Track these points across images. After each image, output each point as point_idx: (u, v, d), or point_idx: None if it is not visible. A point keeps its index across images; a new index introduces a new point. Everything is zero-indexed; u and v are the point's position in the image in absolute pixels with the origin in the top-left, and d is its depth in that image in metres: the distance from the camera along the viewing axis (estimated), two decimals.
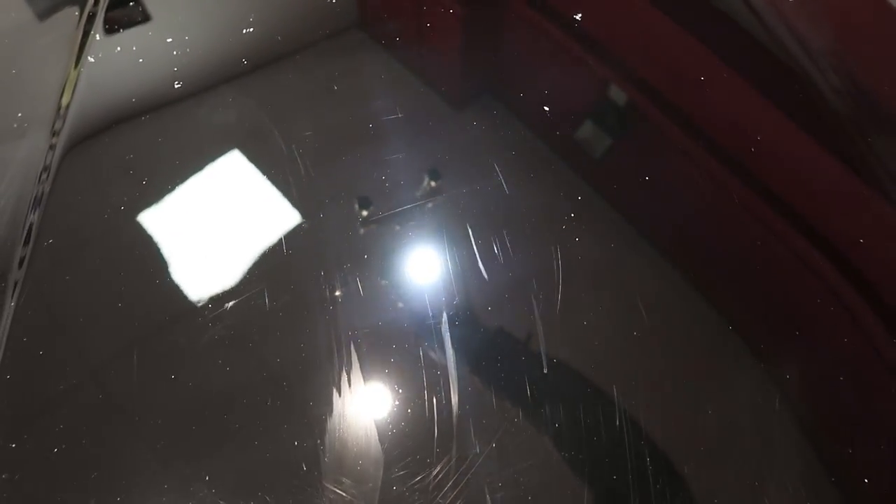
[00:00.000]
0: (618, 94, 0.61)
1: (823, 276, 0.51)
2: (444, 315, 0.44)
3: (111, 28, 0.57)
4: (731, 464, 0.41)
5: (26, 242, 0.47)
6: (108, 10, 0.58)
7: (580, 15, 0.62)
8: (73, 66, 0.54)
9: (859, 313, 0.49)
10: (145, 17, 0.57)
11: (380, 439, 0.40)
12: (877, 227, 0.54)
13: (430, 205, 0.49)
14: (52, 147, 0.51)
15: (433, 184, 0.50)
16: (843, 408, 0.45)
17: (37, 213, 0.48)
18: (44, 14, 0.59)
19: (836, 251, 0.52)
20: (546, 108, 0.56)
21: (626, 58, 0.62)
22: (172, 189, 0.49)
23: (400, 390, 0.42)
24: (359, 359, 0.43)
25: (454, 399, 0.42)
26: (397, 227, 0.48)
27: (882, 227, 0.55)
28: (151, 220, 0.48)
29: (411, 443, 0.40)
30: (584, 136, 0.57)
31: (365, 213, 0.49)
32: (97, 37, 0.56)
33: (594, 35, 0.62)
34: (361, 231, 0.48)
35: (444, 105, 0.57)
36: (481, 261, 0.47)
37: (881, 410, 0.46)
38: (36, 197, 0.49)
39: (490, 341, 0.44)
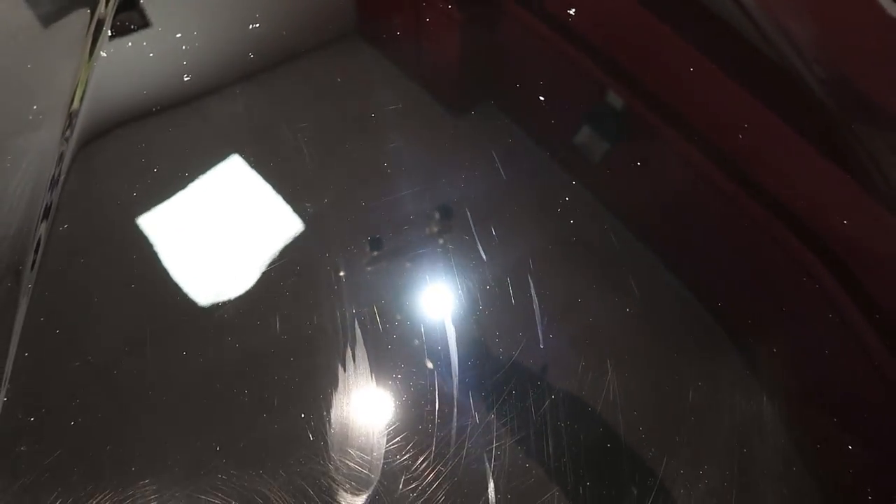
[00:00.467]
0: (610, 93, 0.63)
1: (809, 264, 0.52)
2: (445, 293, 0.46)
3: (119, 32, 0.59)
4: (721, 433, 0.43)
5: (42, 228, 0.49)
6: (125, 5, 0.60)
7: (574, 13, 0.64)
8: (86, 60, 0.56)
9: (841, 299, 0.51)
10: (144, 23, 0.59)
11: (383, 411, 0.42)
12: (861, 216, 0.56)
13: (429, 191, 0.51)
14: (66, 138, 0.53)
15: (437, 172, 0.52)
16: (826, 389, 0.47)
17: (52, 201, 0.50)
18: (58, 11, 0.61)
19: (821, 240, 0.54)
20: (542, 107, 0.58)
21: (617, 55, 0.64)
22: (181, 179, 0.51)
23: (402, 364, 0.44)
24: (363, 335, 0.45)
25: (455, 372, 0.43)
26: (397, 211, 0.50)
27: (867, 215, 0.57)
28: (161, 208, 0.50)
29: (414, 414, 0.42)
30: (581, 137, 0.59)
31: (366, 199, 0.51)
32: (109, 33, 0.58)
33: (586, 33, 0.64)
34: (364, 217, 0.50)
35: (444, 95, 0.59)
36: (479, 242, 0.49)
37: (864, 393, 0.47)
38: (51, 184, 0.51)
39: (489, 318, 0.46)
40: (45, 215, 0.49)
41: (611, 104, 0.62)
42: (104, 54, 0.56)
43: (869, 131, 0.60)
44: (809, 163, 0.60)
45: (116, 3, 0.60)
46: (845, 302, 0.50)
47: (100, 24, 0.58)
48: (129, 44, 0.57)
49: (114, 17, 0.59)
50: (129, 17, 0.59)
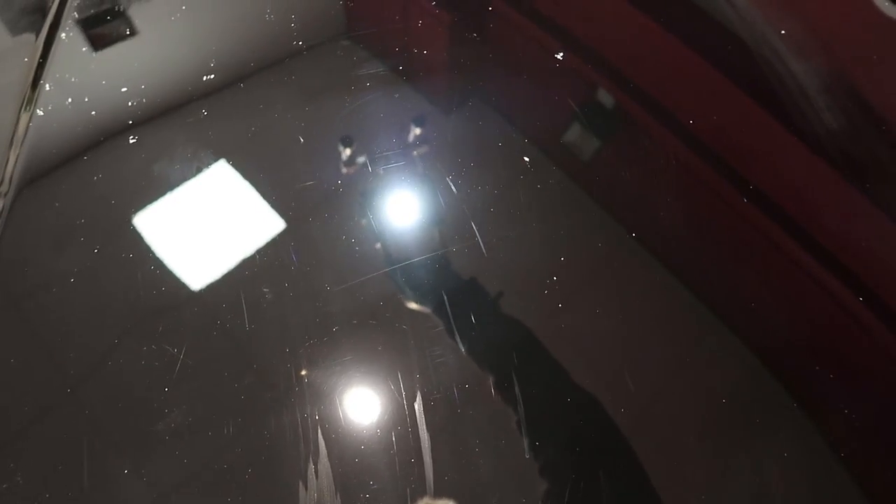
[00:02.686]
0: (602, 93, 0.59)
1: (807, 265, 0.51)
2: (417, 394, 0.41)
3: (95, 45, 0.54)
4: (723, 445, 0.42)
5: None
6: (88, 27, 0.55)
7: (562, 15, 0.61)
8: (20, 118, 0.51)
9: (842, 298, 0.50)
10: (132, 31, 0.54)
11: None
12: (854, 221, 0.55)
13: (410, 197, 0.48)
14: (8, 171, 0.48)
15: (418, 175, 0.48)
16: (830, 383, 0.45)
17: None
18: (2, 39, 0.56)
19: (818, 244, 0.52)
20: (532, 109, 0.55)
21: (608, 55, 0.61)
22: (125, 248, 0.45)
23: (371, 481, 0.39)
24: (326, 446, 0.40)
25: (430, 488, 0.39)
26: (365, 298, 0.45)
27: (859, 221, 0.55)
28: (103, 280, 0.45)
29: None
30: (570, 136, 0.56)
31: (333, 282, 0.46)
32: (47, 87, 0.52)
33: (575, 33, 0.62)
34: (330, 301, 0.45)
35: (429, 104, 0.54)
36: (458, 334, 0.44)
37: (867, 381, 0.46)
38: None
39: (467, 422, 0.41)
40: None
41: (601, 103, 0.59)
42: (41, 112, 0.51)
43: (864, 131, 0.58)
44: (802, 161, 0.58)
45: (56, 53, 0.54)
46: (851, 302, 0.49)
47: (37, 77, 0.53)
48: (69, 100, 0.51)
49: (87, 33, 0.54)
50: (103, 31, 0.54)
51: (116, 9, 0.57)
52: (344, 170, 0.50)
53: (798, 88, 0.61)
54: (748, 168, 0.55)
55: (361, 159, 0.50)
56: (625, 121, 0.59)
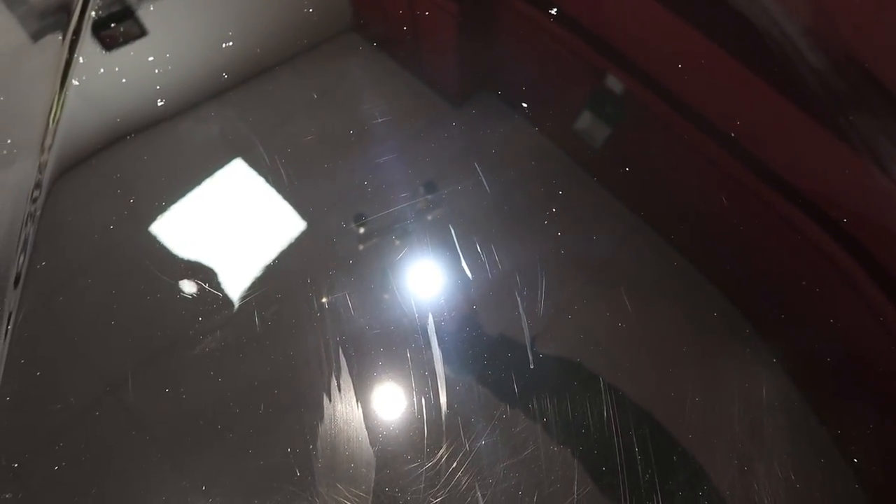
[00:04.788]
0: (612, 84, 0.61)
1: (813, 258, 0.51)
2: (430, 316, 0.45)
3: (101, 45, 0.58)
4: (720, 450, 0.42)
5: (20, 265, 0.48)
6: (96, 30, 0.59)
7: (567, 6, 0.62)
8: (58, 89, 0.55)
9: (849, 290, 0.49)
10: (137, 35, 0.58)
11: (371, 441, 0.41)
12: (866, 200, 0.54)
13: (413, 209, 0.50)
14: (41, 170, 0.52)
15: (421, 186, 0.51)
16: (831, 390, 0.45)
17: (30, 236, 0.49)
18: (28, 39, 0.60)
19: (831, 229, 0.52)
20: (540, 103, 0.56)
21: (618, 46, 0.63)
22: (158, 206, 0.49)
23: (389, 393, 0.43)
24: (347, 363, 0.43)
25: (442, 399, 0.42)
26: (381, 232, 0.49)
27: (870, 198, 0.55)
28: (140, 237, 0.49)
29: (402, 444, 0.41)
30: (580, 127, 0.57)
31: (347, 220, 0.49)
32: (81, 59, 0.56)
33: (583, 24, 0.63)
34: (345, 238, 0.49)
35: (435, 106, 0.57)
36: (465, 260, 0.47)
37: (870, 391, 0.46)
38: (28, 219, 0.50)
39: (476, 340, 0.44)
40: (23, 252, 0.48)
41: (611, 91, 0.60)
42: (76, 82, 0.55)
43: (871, 116, 0.58)
44: (818, 151, 0.58)
45: (90, 25, 0.59)
46: (858, 299, 0.48)
47: (71, 53, 0.57)
48: (102, 70, 0.56)
49: (94, 35, 0.58)
50: (111, 33, 0.58)
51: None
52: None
53: (809, 69, 0.61)
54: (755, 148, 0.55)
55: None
56: (635, 107, 0.59)
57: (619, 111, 0.59)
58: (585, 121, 0.57)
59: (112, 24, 0.58)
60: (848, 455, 0.42)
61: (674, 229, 0.50)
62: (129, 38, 0.59)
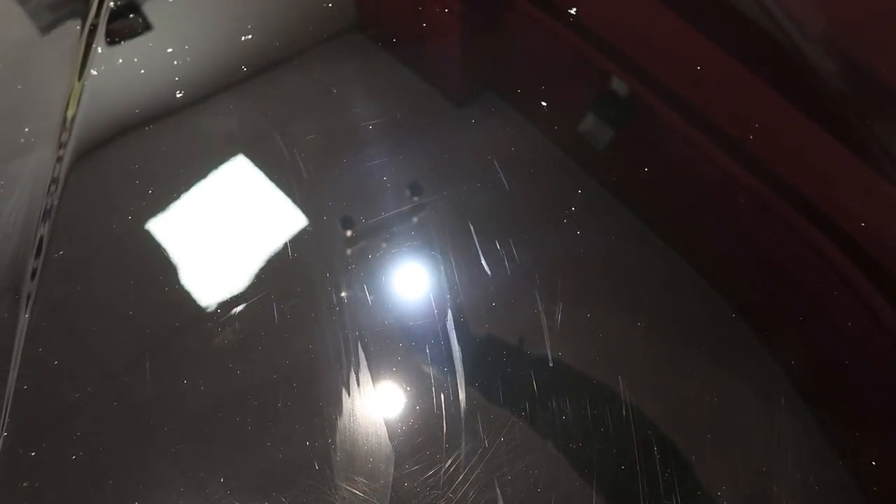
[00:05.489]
0: (618, 86, 0.61)
1: (829, 262, 0.51)
2: (450, 312, 0.45)
3: (112, 40, 0.57)
4: (738, 451, 0.42)
5: (37, 255, 0.48)
6: (109, 22, 0.59)
7: (576, 8, 0.62)
8: (76, 79, 0.55)
9: (864, 295, 0.49)
10: (146, 27, 0.58)
11: (390, 436, 0.41)
12: (879, 207, 0.54)
13: (432, 204, 0.50)
14: (59, 160, 0.52)
15: (434, 183, 0.51)
16: (848, 392, 0.46)
17: (47, 226, 0.49)
18: (46, 29, 0.60)
19: (842, 235, 0.52)
20: (546, 104, 0.56)
21: (625, 48, 0.63)
22: (177, 197, 0.49)
23: (408, 388, 0.43)
24: (367, 358, 0.43)
25: (461, 395, 0.42)
26: (400, 227, 0.49)
27: (884, 206, 0.55)
28: (158, 228, 0.49)
29: (421, 439, 0.41)
30: (586, 129, 0.57)
31: (367, 215, 0.49)
32: (99, 49, 0.56)
33: (591, 26, 0.63)
34: (365, 233, 0.49)
35: (444, 104, 0.57)
36: (484, 258, 0.47)
37: (890, 394, 0.46)
38: (45, 209, 0.50)
39: (495, 337, 0.44)
40: (40, 242, 0.48)
41: (617, 94, 0.60)
42: (94, 72, 0.55)
43: (886, 123, 0.58)
44: (827, 157, 0.58)
45: (107, 16, 0.59)
46: (873, 304, 0.49)
47: (89, 43, 0.57)
48: (120, 60, 0.56)
49: (109, 24, 0.58)
50: (120, 26, 0.58)
51: None
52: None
53: (818, 75, 0.61)
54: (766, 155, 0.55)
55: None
56: (642, 113, 0.59)
57: (627, 112, 0.59)
58: (590, 123, 0.57)
59: (131, 15, 0.58)
60: (867, 458, 0.42)
61: (693, 232, 0.50)
62: (146, 29, 0.59)
